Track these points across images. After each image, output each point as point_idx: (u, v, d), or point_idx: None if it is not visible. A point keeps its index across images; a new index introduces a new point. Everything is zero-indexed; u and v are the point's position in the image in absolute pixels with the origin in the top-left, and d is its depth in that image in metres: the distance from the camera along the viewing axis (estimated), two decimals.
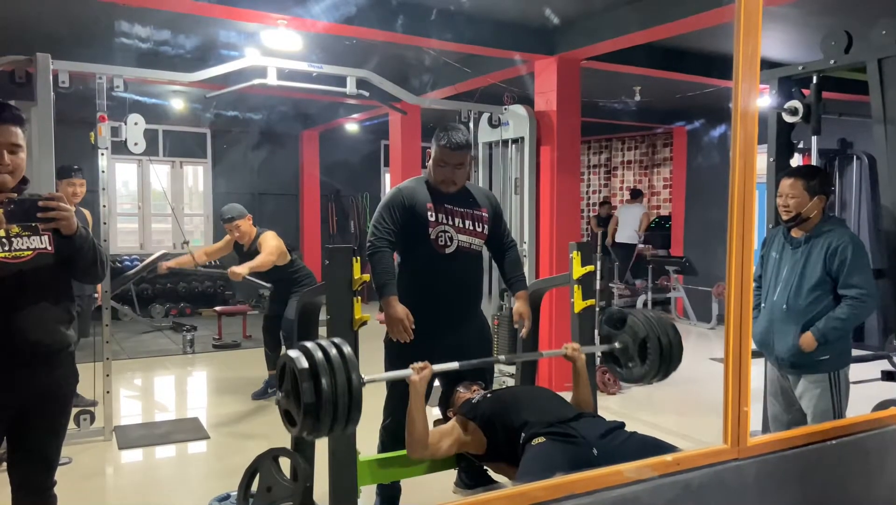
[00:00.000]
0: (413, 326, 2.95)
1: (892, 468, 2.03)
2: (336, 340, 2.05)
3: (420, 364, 2.52)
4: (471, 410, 2.68)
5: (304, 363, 1.96)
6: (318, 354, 1.97)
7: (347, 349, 2.02)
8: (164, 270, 5.72)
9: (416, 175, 3.33)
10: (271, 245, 5.15)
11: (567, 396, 2.85)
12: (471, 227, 3.12)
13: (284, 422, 2.09)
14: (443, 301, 3.08)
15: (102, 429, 4.52)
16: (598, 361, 4.03)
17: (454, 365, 2.61)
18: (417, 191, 3.08)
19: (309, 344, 2.02)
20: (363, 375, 2.02)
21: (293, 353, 2.00)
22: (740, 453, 1.72)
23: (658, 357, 2.73)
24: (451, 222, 3.06)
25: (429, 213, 3.03)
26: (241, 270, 5.00)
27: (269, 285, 5.40)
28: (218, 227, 9.83)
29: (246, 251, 5.28)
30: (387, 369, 3.17)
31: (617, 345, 2.87)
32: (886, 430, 2.00)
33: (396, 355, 3.02)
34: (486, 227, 3.17)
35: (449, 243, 3.05)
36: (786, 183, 3.13)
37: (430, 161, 3.10)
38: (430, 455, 2.59)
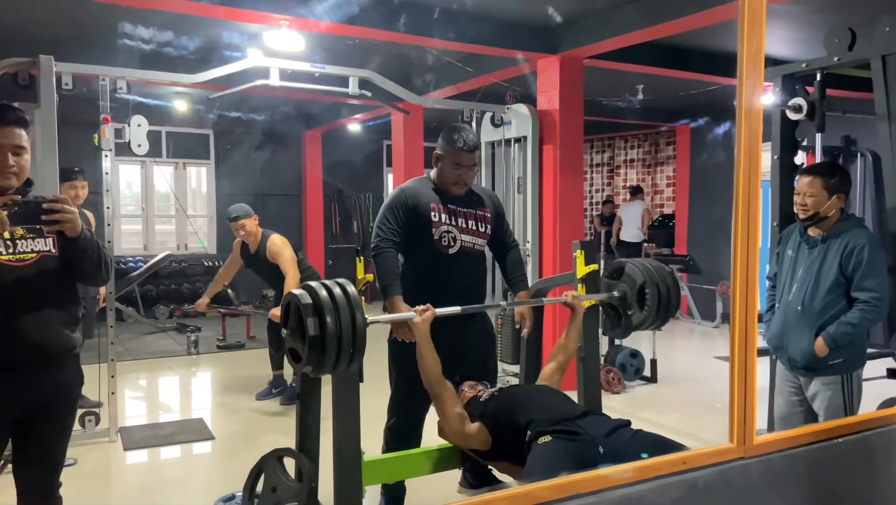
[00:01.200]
0: None
1: None
2: (340, 280, 2.12)
3: (422, 306, 2.60)
4: (478, 408, 2.68)
5: (308, 299, 2.03)
6: (323, 292, 2.04)
7: (351, 289, 2.09)
8: (205, 308, 5.78)
9: (419, 175, 3.33)
10: (287, 256, 5.12)
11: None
12: (474, 228, 3.12)
13: (289, 359, 2.17)
14: (446, 301, 3.08)
15: (108, 430, 4.52)
16: (602, 359, 4.03)
17: (456, 309, 2.69)
18: (421, 191, 3.09)
19: (313, 283, 2.09)
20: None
21: (298, 291, 2.08)
22: (746, 452, 1.71)
23: (656, 303, 2.78)
24: (454, 223, 3.06)
25: (432, 214, 3.03)
26: (277, 312, 4.97)
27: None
28: (221, 229, 9.87)
29: (253, 252, 5.28)
30: (391, 368, 3.17)
31: (616, 293, 2.91)
32: (892, 428, 1.99)
33: (400, 355, 3.03)
34: (489, 227, 3.17)
35: (452, 244, 3.06)
36: (804, 181, 3.06)
37: (441, 163, 3.08)
38: (448, 394, 2.66)
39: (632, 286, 2.85)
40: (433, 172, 3.15)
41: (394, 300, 2.93)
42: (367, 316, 2.12)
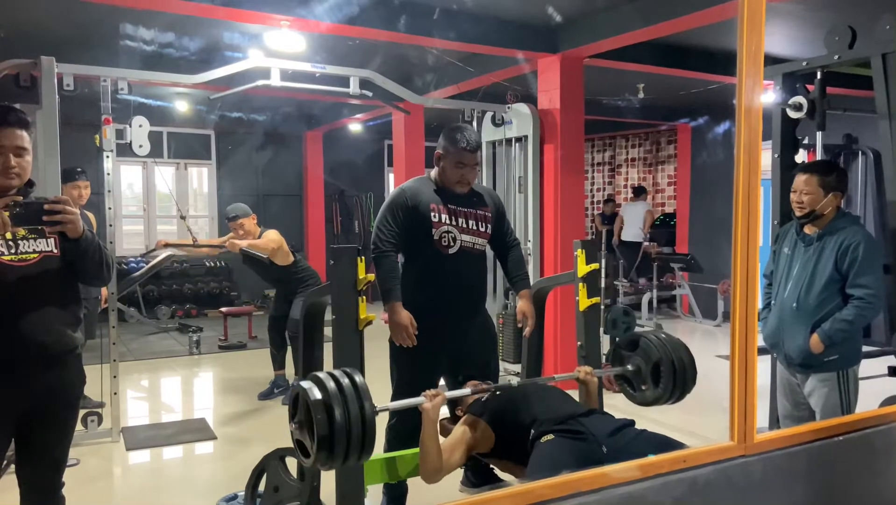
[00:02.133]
0: (416, 332, 2.97)
1: None
2: (347, 368, 2.04)
3: (433, 391, 2.48)
4: (480, 408, 2.68)
5: (318, 394, 1.95)
6: (331, 385, 1.96)
7: (359, 378, 2.01)
8: (162, 245, 5.93)
9: (420, 174, 3.33)
10: (271, 235, 5.23)
11: (574, 394, 2.85)
12: (474, 227, 3.12)
13: (297, 454, 2.08)
14: (447, 301, 3.09)
15: (110, 430, 4.53)
16: (604, 358, 4.01)
17: (466, 391, 2.64)
18: (421, 191, 3.09)
19: (321, 374, 2.01)
20: (376, 405, 2.02)
21: (306, 383, 1.99)
22: (747, 450, 1.72)
23: (671, 380, 2.71)
24: (454, 222, 3.07)
25: (432, 214, 3.04)
26: (241, 243, 5.08)
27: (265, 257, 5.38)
28: (222, 229, 9.86)
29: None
30: (392, 369, 3.18)
31: (629, 367, 2.84)
32: (893, 426, 2.00)
33: (401, 354, 3.03)
34: (489, 226, 3.17)
35: (452, 243, 3.06)
36: (800, 178, 3.08)
37: (442, 162, 3.09)
38: (446, 473, 2.56)
39: (646, 361, 2.78)
40: (434, 172, 3.15)
41: (393, 306, 2.93)
42: (375, 405, 2.05)
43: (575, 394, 2.88)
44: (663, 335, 2.83)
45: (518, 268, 3.31)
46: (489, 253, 3.32)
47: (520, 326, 3.25)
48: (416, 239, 3.04)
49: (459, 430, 2.65)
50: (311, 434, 1.94)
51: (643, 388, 2.81)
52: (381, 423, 3.18)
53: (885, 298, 3.32)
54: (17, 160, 2.16)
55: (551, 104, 5.84)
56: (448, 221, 3.05)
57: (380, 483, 3.10)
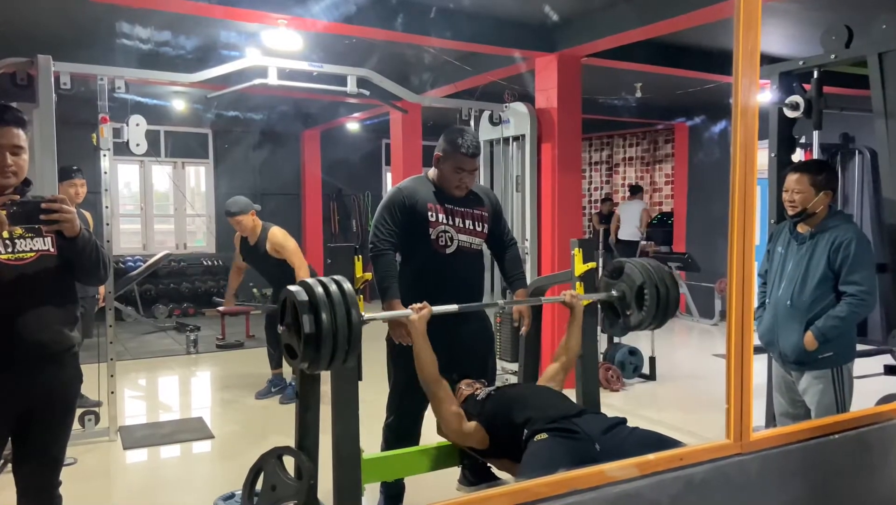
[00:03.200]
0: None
1: (894, 462, 2.03)
2: (336, 277, 2.12)
3: (419, 305, 2.59)
4: (475, 407, 2.69)
5: (305, 296, 2.04)
6: (319, 289, 2.04)
7: (348, 286, 2.09)
8: (232, 305, 5.96)
9: (418, 173, 3.33)
10: (291, 248, 5.17)
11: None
12: (471, 227, 3.12)
13: (286, 356, 2.18)
14: (444, 300, 3.08)
15: (107, 429, 4.53)
16: (601, 357, 4.03)
17: (453, 307, 2.66)
18: (419, 190, 3.08)
19: (310, 280, 2.10)
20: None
21: (294, 288, 2.08)
22: (743, 448, 1.72)
23: (655, 304, 2.76)
24: (451, 222, 3.07)
25: (430, 214, 3.04)
26: (293, 288, 5.07)
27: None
28: (220, 228, 9.85)
29: (252, 245, 5.26)
30: (389, 367, 3.18)
31: (614, 293, 2.90)
32: (889, 424, 2.00)
33: (399, 353, 3.03)
34: (486, 226, 3.17)
35: (449, 243, 3.06)
36: (792, 178, 3.11)
37: (441, 165, 3.07)
38: (445, 393, 2.64)
39: (631, 286, 2.85)
40: (432, 171, 3.15)
41: (392, 304, 2.93)
42: (363, 313, 2.12)
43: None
44: (648, 262, 2.88)
45: (515, 267, 3.31)
46: (486, 252, 3.32)
47: (516, 325, 3.25)
48: (413, 238, 3.04)
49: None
50: (299, 335, 2.03)
51: (627, 313, 2.86)
52: (380, 423, 3.20)
53: (881, 297, 3.34)
54: (13, 159, 2.16)
55: (549, 103, 5.84)
56: (445, 221, 3.05)
57: (377, 481, 3.10)
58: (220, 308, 6.12)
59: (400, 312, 2.66)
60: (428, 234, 3.03)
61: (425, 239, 3.03)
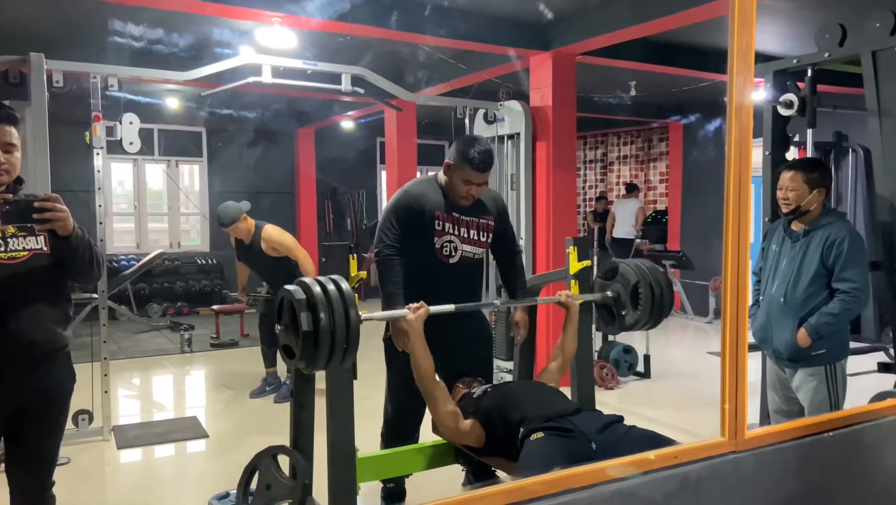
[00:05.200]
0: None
1: (888, 460, 2.03)
2: (334, 276, 2.13)
3: (416, 304, 2.60)
4: (471, 405, 2.69)
5: (302, 295, 2.05)
6: (317, 289, 2.05)
7: (345, 285, 2.10)
8: (246, 298, 5.96)
9: (412, 171, 3.31)
10: (289, 243, 5.19)
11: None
12: (475, 238, 3.08)
13: (283, 355, 2.18)
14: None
15: (101, 429, 4.51)
16: (595, 355, 4.04)
17: (450, 307, 2.67)
18: (428, 196, 3.01)
19: (307, 279, 2.11)
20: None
21: (292, 287, 2.09)
22: (737, 446, 1.72)
23: (650, 304, 2.79)
24: (457, 232, 3.02)
25: (437, 223, 2.98)
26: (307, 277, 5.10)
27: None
28: (214, 226, 9.83)
29: (247, 244, 5.25)
30: (387, 367, 3.17)
31: (609, 293, 2.92)
32: (883, 421, 2.01)
33: (396, 352, 3.02)
34: (490, 235, 3.12)
35: (453, 253, 3.02)
36: (786, 176, 3.13)
37: (451, 174, 2.99)
38: (440, 392, 2.65)
39: (625, 286, 2.86)
40: (441, 175, 3.08)
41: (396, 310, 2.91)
42: (360, 312, 2.12)
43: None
44: (642, 262, 2.91)
45: (517, 277, 3.26)
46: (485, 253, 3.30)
47: (512, 335, 3.24)
48: (417, 244, 2.98)
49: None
50: (297, 334, 2.03)
51: (623, 313, 2.88)
52: (375, 421, 3.19)
53: (875, 294, 3.35)
54: (6, 157, 2.15)
55: (543, 101, 5.84)
56: (451, 231, 3.00)
57: (372, 480, 3.10)
58: (228, 306, 6.06)
59: (397, 311, 2.65)
60: (433, 243, 2.98)
61: (429, 247, 2.98)
